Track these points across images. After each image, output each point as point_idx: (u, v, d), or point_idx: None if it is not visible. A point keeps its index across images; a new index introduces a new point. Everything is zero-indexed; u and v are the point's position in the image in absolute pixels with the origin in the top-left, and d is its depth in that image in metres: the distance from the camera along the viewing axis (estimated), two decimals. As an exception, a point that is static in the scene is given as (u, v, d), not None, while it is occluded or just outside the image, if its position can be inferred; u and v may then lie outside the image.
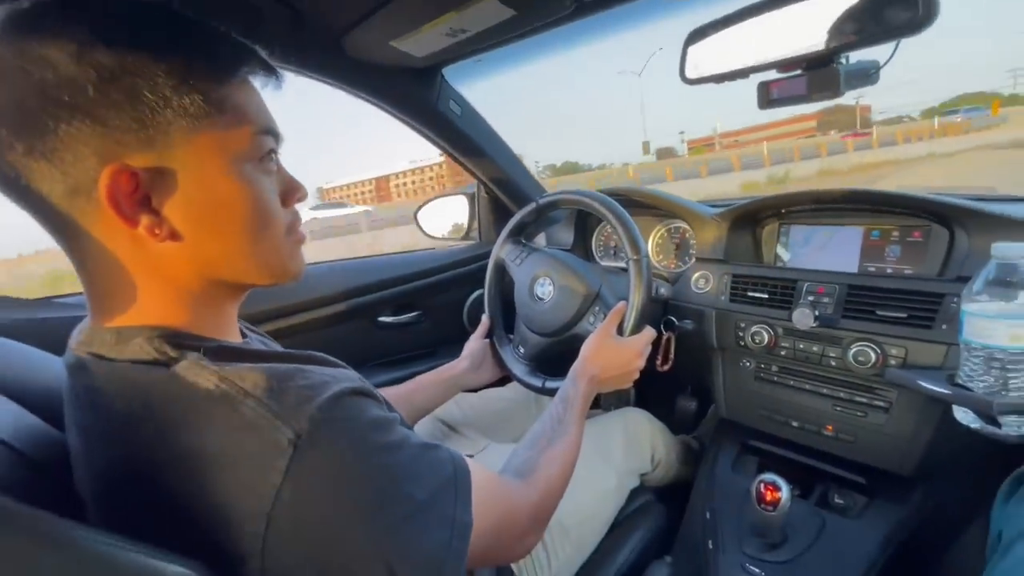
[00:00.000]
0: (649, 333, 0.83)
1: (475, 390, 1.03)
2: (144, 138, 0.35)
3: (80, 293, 0.41)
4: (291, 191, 0.45)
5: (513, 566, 0.70)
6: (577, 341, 0.83)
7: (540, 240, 1.32)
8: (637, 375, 0.81)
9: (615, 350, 0.79)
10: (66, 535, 0.28)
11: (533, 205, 0.98)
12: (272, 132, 0.42)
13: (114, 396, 0.37)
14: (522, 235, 1.03)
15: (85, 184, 0.34)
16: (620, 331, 0.81)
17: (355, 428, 0.37)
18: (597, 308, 0.88)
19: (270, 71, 0.42)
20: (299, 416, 0.34)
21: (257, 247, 0.42)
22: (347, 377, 0.40)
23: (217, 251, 0.40)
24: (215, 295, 0.43)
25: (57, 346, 0.53)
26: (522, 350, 0.97)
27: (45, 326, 0.67)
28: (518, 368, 0.95)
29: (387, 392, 0.84)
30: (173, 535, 0.33)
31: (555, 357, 0.95)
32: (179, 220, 0.37)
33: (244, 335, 0.51)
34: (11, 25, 0.34)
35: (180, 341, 0.38)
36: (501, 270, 1.02)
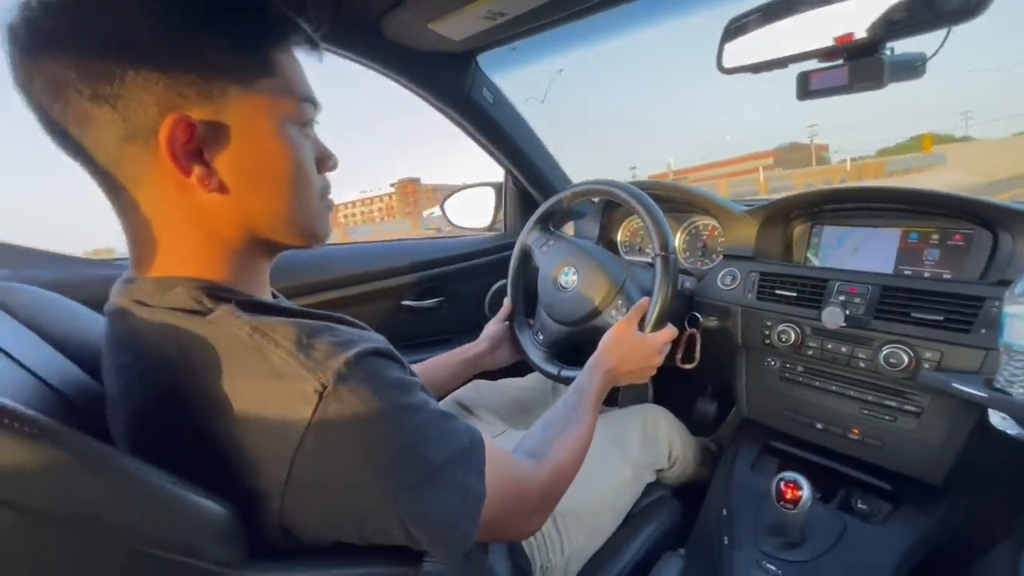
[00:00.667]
0: (670, 331, 0.81)
1: (493, 376, 1.03)
2: (204, 92, 0.37)
3: (114, 260, 0.43)
4: (325, 159, 0.47)
5: (526, 548, 0.71)
6: (597, 333, 0.82)
7: (567, 231, 1.32)
8: (654, 372, 0.80)
9: (634, 345, 0.78)
10: (112, 459, 0.29)
11: (564, 193, 0.98)
12: (313, 101, 0.44)
13: (152, 339, 0.38)
14: (550, 223, 1.03)
15: (143, 131, 0.36)
16: (641, 326, 0.80)
17: (378, 386, 0.37)
18: (620, 302, 0.87)
19: (313, 44, 0.45)
20: (326, 369, 0.35)
21: (295, 206, 0.44)
22: (373, 338, 0.41)
23: (260, 206, 0.42)
24: (252, 252, 0.44)
25: (102, 303, 0.55)
26: (541, 337, 0.97)
27: (91, 283, 0.70)
28: (535, 354, 0.95)
29: None
30: (200, 473, 0.34)
31: (574, 347, 0.95)
32: (227, 173, 0.39)
33: (275, 296, 0.52)
34: None
35: (217, 293, 0.39)
36: (526, 256, 1.02)
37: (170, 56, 0.36)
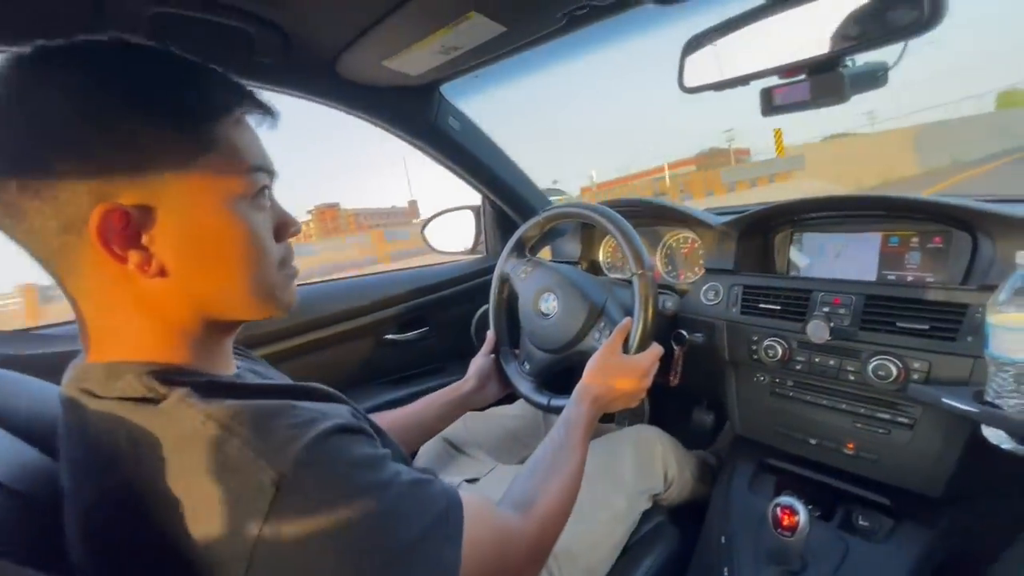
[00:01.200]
0: (657, 350, 0.79)
1: (482, 408, 1.01)
2: (137, 177, 0.36)
3: (56, 324, 0.41)
4: (284, 226, 0.45)
5: None
6: (583, 357, 0.80)
7: (546, 253, 1.30)
8: (644, 394, 0.78)
9: (620, 368, 0.76)
10: None
11: (536, 219, 0.96)
12: (266, 169, 0.42)
13: (102, 432, 0.37)
14: (526, 248, 1.02)
15: (76, 222, 0.35)
16: (626, 348, 0.78)
17: (341, 469, 0.36)
18: (603, 324, 0.85)
19: (265, 110, 0.43)
20: (284, 456, 0.34)
21: (249, 284, 0.42)
22: (337, 413, 0.40)
23: (208, 288, 0.40)
24: (208, 330, 0.42)
25: (44, 376, 0.53)
26: (527, 366, 0.95)
27: (40, 356, 0.67)
28: (523, 385, 0.93)
29: (395, 414, 0.83)
30: (153, 573, 0.33)
31: (561, 374, 0.93)
32: (169, 257, 0.38)
33: (241, 352, 0.51)
34: (15, 66, 0.35)
35: (170, 377, 0.38)
36: (506, 284, 1.00)
37: (99, 145, 0.34)
